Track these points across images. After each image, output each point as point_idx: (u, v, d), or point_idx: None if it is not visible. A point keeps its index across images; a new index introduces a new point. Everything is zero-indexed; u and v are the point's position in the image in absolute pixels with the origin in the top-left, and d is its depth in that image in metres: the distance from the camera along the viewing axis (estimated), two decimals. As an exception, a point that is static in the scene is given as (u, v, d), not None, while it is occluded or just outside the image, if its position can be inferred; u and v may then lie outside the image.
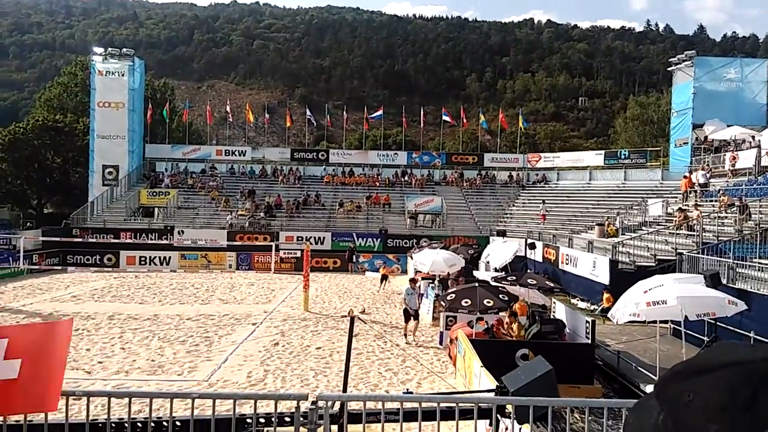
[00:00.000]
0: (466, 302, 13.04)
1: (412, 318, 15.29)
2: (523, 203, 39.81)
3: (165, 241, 31.03)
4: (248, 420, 4.71)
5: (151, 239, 31.65)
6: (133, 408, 4.96)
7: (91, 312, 18.42)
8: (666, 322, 15.04)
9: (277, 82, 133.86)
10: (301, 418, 4.39)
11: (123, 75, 40.04)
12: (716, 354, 0.95)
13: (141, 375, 11.90)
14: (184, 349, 14.12)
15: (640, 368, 12.11)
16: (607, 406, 4.70)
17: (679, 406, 0.90)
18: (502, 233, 31.77)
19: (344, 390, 7.87)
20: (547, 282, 15.70)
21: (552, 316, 14.24)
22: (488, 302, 13.02)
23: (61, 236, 29.17)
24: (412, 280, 16.75)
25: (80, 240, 29.99)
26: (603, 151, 43.05)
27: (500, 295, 13.51)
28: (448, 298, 13.73)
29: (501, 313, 13.45)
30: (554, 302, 14.79)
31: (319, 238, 33.15)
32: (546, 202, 37.15)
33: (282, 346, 14.65)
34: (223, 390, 10.64)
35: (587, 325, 12.09)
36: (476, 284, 14.18)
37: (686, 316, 10.66)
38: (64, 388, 4.39)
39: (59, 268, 28.53)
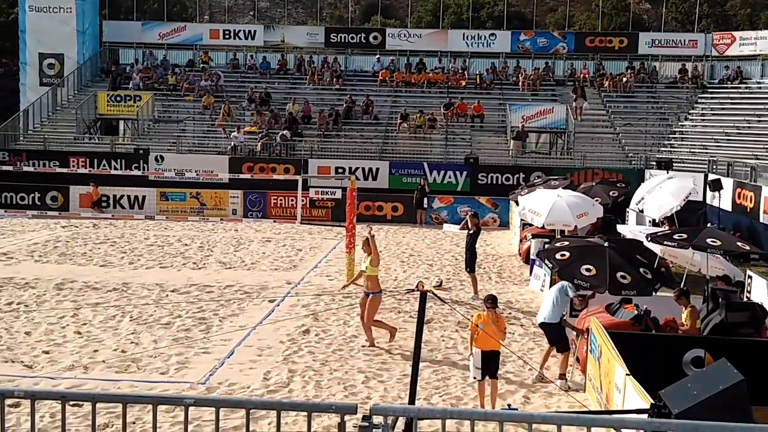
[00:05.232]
0: (587, 270, 12.87)
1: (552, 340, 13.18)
2: (703, 115, 38.62)
3: (136, 172, 31.93)
4: (269, 441, 4.94)
5: (116, 168, 32.66)
6: (98, 419, 5.28)
7: (30, 278, 19.38)
8: None
9: None
10: (349, 441, 4.57)
11: None
12: None
13: (106, 373, 12.58)
14: (169, 335, 14.77)
15: None
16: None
17: None
18: (666, 164, 31.02)
19: (411, 402, 8.11)
20: (738, 243, 15.37)
21: (745, 298, 14.02)
22: (623, 278, 12.82)
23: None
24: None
25: (10, 169, 31.25)
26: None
27: (641, 270, 13.20)
28: (558, 256, 13.48)
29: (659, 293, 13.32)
30: (750, 276, 14.54)
31: (371, 170, 33.37)
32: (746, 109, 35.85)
33: (315, 335, 15.09)
34: (228, 397, 11.10)
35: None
36: (605, 243, 13.91)
37: None
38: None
39: (-19, 211, 30.05)
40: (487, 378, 11.48)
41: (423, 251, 25.22)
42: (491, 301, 11.86)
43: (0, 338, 14.19)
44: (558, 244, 14.26)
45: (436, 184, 32.81)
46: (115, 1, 47.79)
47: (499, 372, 11.93)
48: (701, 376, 8.43)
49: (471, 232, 19.12)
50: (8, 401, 6.17)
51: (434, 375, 12.91)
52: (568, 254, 13.37)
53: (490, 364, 11.41)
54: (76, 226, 28.22)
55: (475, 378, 11.56)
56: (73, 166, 32.61)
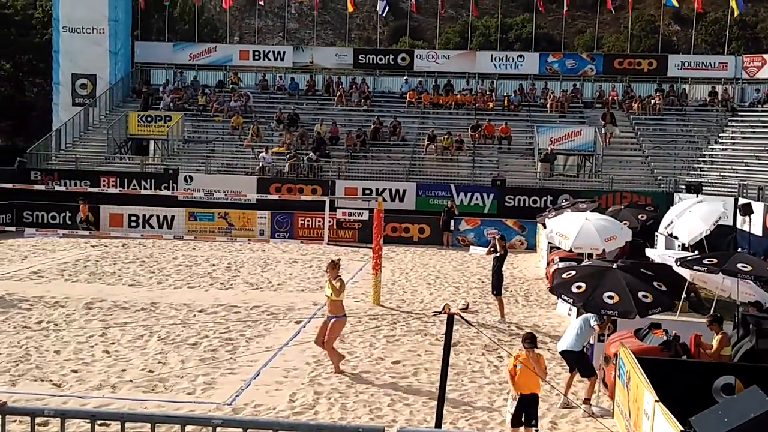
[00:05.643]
0: (610, 297, 12.74)
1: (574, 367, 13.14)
2: (733, 138, 38.35)
3: (165, 192, 32.20)
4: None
5: (146, 188, 32.97)
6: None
7: (60, 296, 19.63)
8: None
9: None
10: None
11: (100, -65, 41.38)
12: None
13: (134, 392, 12.72)
14: (196, 355, 14.90)
15: None
16: None
17: None
18: (695, 188, 30.84)
19: (437, 425, 8.13)
20: (769, 269, 15.23)
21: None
22: (645, 297, 12.75)
23: (13, 182, 31.00)
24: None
25: (42, 188, 31.62)
26: None
27: (655, 283, 13.12)
28: (574, 289, 13.11)
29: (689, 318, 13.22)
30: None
31: (398, 191, 33.44)
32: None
33: (341, 356, 15.12)
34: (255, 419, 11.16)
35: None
36: (613, 265, 13.83)
37: None
38: (27, 406, 4.78)
39: (11, 229, 30.39)
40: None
41: (449, 273, 25.22)
42: (530, 340, 10.92)
43: (29, 357, 14.38)
44: (565, 276, 13.81)
45: (463, 206, 32.79)
46: (147, 22, 48.43)
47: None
48: (732, 404, 8.38)
49: (498, 254, 19.09)
50: (38, 419, 6.27)
51: (460, 398, 12.91)
52: (583, 285, 13.07)
53: (528, 409, 10.65)
54: (106, 246, 28.52)
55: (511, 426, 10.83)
56: (104, 185, 33.00)
